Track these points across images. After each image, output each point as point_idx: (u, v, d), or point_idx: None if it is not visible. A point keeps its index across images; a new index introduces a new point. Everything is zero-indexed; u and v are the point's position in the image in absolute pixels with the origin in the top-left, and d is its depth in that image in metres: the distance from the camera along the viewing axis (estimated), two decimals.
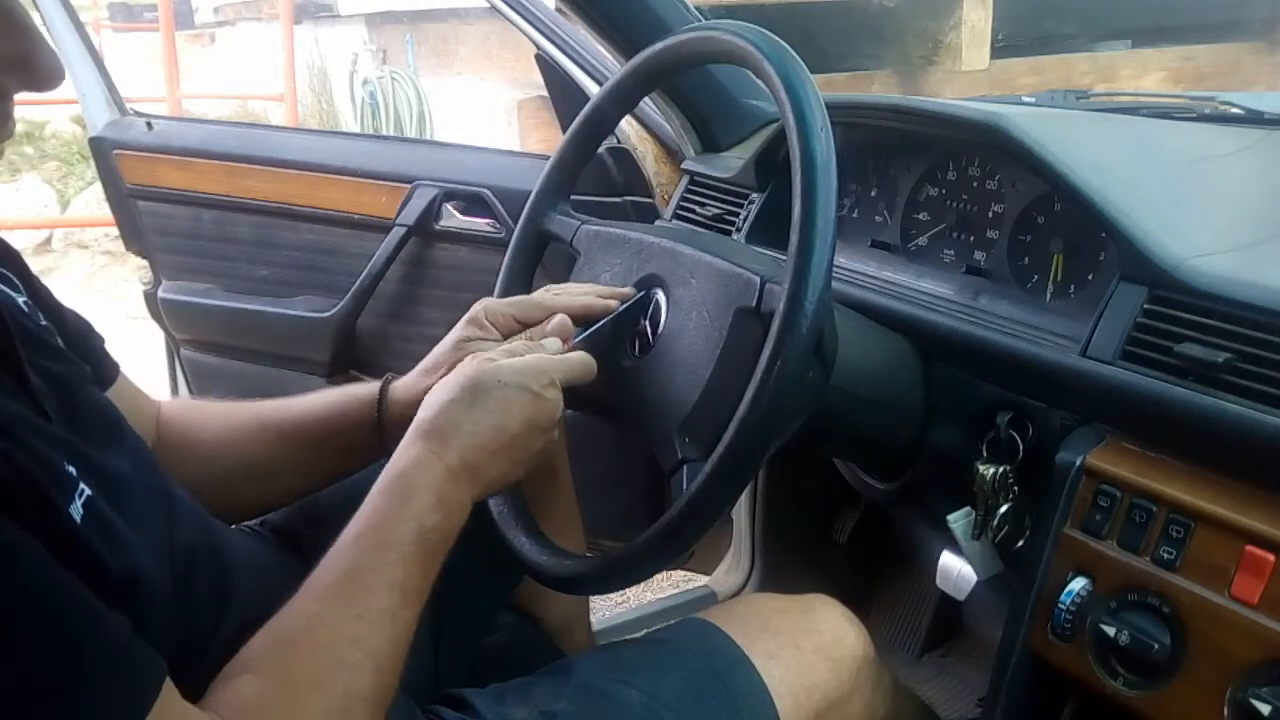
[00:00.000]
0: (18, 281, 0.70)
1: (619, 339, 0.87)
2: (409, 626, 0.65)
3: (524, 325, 0.84)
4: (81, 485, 0.56)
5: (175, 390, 1.82)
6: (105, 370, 0.80)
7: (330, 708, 0.59)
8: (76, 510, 0.55)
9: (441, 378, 0.78)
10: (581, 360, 0.79)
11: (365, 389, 0.87)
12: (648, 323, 0.87)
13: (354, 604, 0.63)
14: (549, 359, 0.77)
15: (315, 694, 0.59)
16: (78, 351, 0.73)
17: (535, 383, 0.74)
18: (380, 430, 0.85)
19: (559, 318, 0.83)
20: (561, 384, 0.76)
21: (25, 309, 0.68)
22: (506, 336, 0.84)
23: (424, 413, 0.72)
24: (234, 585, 0.72)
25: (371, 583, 0.64)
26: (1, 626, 0.47)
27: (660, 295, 0.87)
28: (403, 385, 0.86)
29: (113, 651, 0.51)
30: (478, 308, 0.86)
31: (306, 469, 0.89)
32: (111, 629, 0.52)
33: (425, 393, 0.78)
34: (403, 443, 0.71)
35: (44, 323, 0.69)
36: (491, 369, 0.73)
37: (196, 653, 0.64)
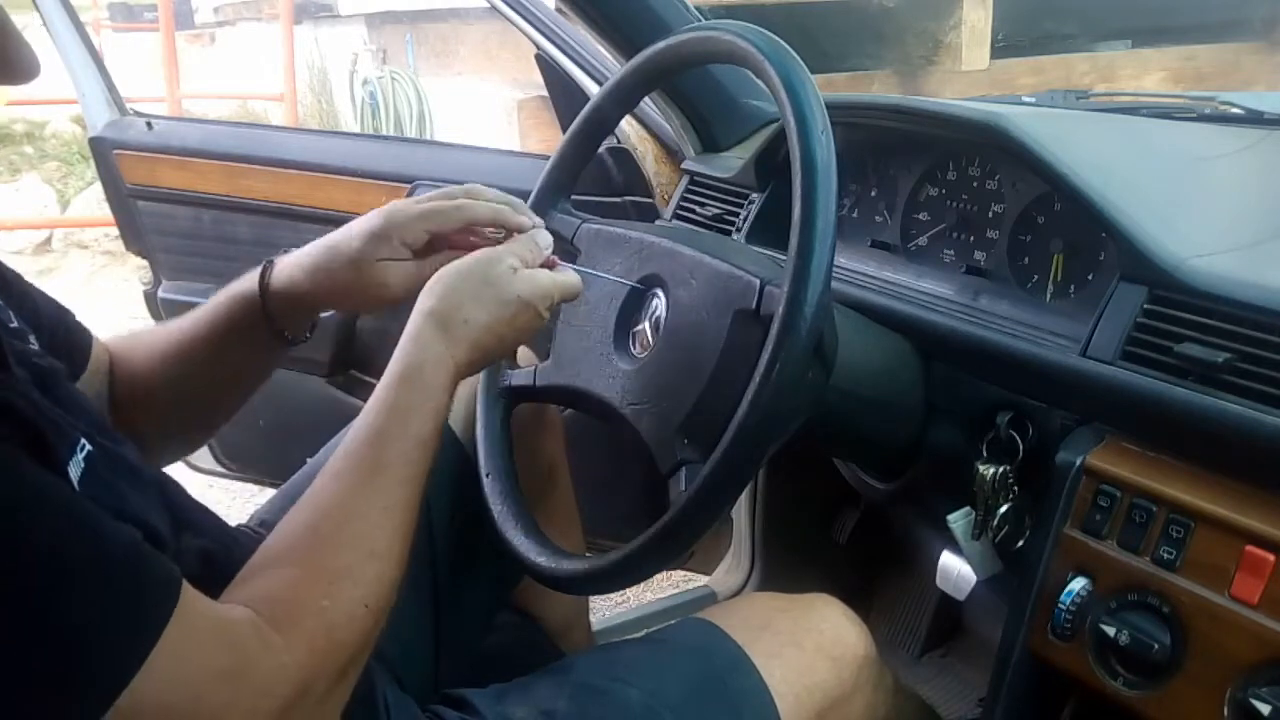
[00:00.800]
0: None
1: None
2: (414, 515, 0.68)
3: (437, 237, 0.80)
4: (83, 440, 0.57)
5: None
6: (81, 352, 0.81)
7: (360, 596, 0.61)
8: (77, 465, 0.56)
9: (321, 284, 0.79)
10: (576, 284, 0.80)
11: (245, 284, 0.84)
12: (647, 323, 0.87)
13: (382, 496, 0.65)
14: (556, 283, 0.77)
15: (348, 584, 0.61)
16: (55, 351, 0.73)
17: (542, 304, 0.76)
18: (267, 319, 0.83)
19: (544, 235, 0.80)
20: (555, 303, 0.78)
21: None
22: (417, 253, 0.79)
23: (440, 302, 0.72)
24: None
25: (398, 476, 0.66)
26: (2, 541, 0.47)
27: (660, 295, 0.87)
28: (282, 276, 0.82)
29: (123, 559, 0.52)
30: (386, 222, 0.78)
31: (211, 378, 0.87)
32: (120, 538, 0.52)
33: (301, 288, 0.80)
34: (416, 327, 0.71)
35: (15, 324, 0.69)
36: (512, 280, 0.74)
37: None
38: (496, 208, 0.80)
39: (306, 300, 0.82)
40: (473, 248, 0.78)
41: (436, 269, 0.75)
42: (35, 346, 0.69)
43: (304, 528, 0.64)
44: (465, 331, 0.71)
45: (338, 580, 0.61)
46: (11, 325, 0.68)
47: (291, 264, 0.82)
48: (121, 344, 0.87)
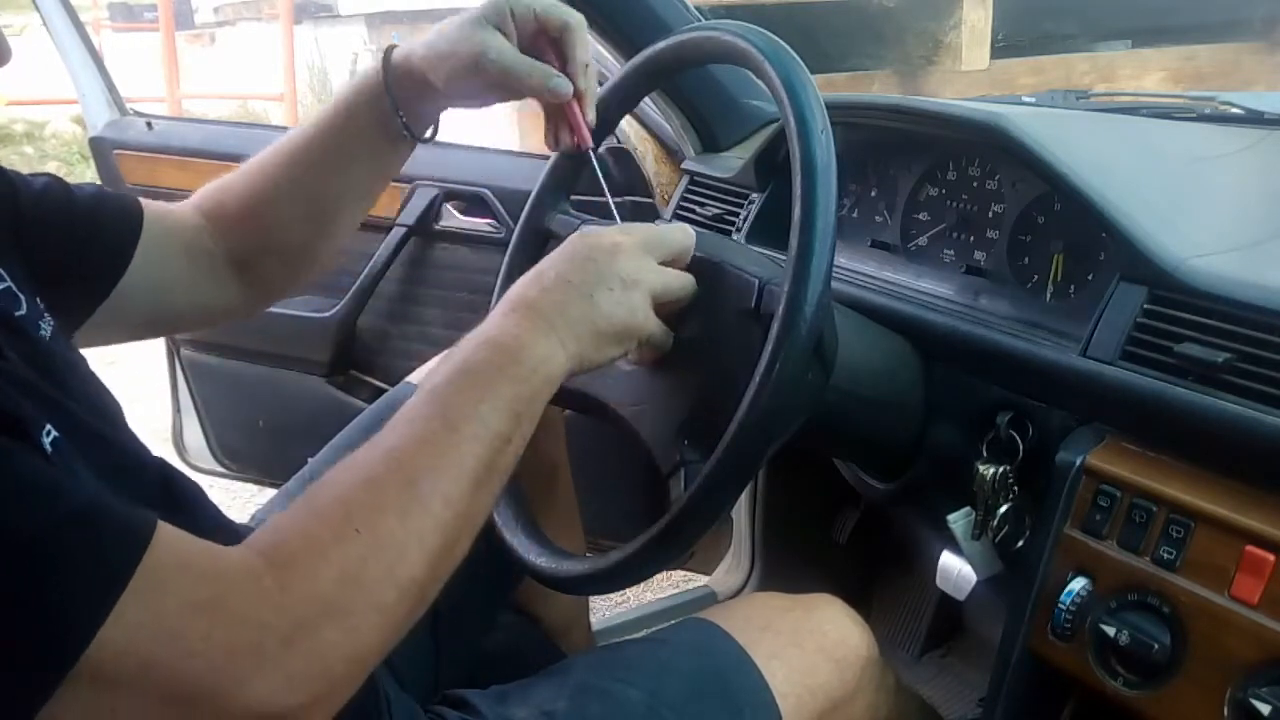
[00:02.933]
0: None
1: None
2: (491, 490, 0.62)
3: (544, 30, 0.81)
4: (49, 426, 0.54)
5: (175, 391, 1.81)
6: (121, 245, 0.81)
7: (389, 562, 0.56)
8: (45, 445, 0.53)
9: (455, 65, 0.78)
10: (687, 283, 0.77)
11: (366, 79, 0.84)
12: None
13: (454, 460, 0.60)
14: (675, 283, 0.74)
15: (378, 545, 0.55)
16: (87, 266, 0.73)
17: (645, 292, 0.72)
18: (393, 100, 0.83)
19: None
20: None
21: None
22: (523, 37, 0.80)
23: (531, 295, 0.68)
24: None
25: (471, 434, 0.61)
26: None
27: None
28: (401, 55, 0.83)
29: (78, 512, 0.49)
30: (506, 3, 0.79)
31: (343, 182, 0.86)
32: (77, 493, 0.50)
33: (423, 63, 0.80)
34: (511, 319, 0.67)
35: (5, 285, 0.67)
36: (600, 273, 0.70)
37: None
38: (583, 48, 0.81)
39: (430, 78, 0.81)
40: (556, 62, 0.80)
41: (528, 69, 0.78)
42: (24, 312, 0.66)
43: (366, 488, 0.58)
44: (586, 337, 0.68)
45: (367, 532, 0.55)
46: (21, 310, 0.66)
47: (407, 48, 0.83)
48: (211, 195, 0.87)
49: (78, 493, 0.50)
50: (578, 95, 0.82)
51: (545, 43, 0.82)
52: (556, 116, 0.84)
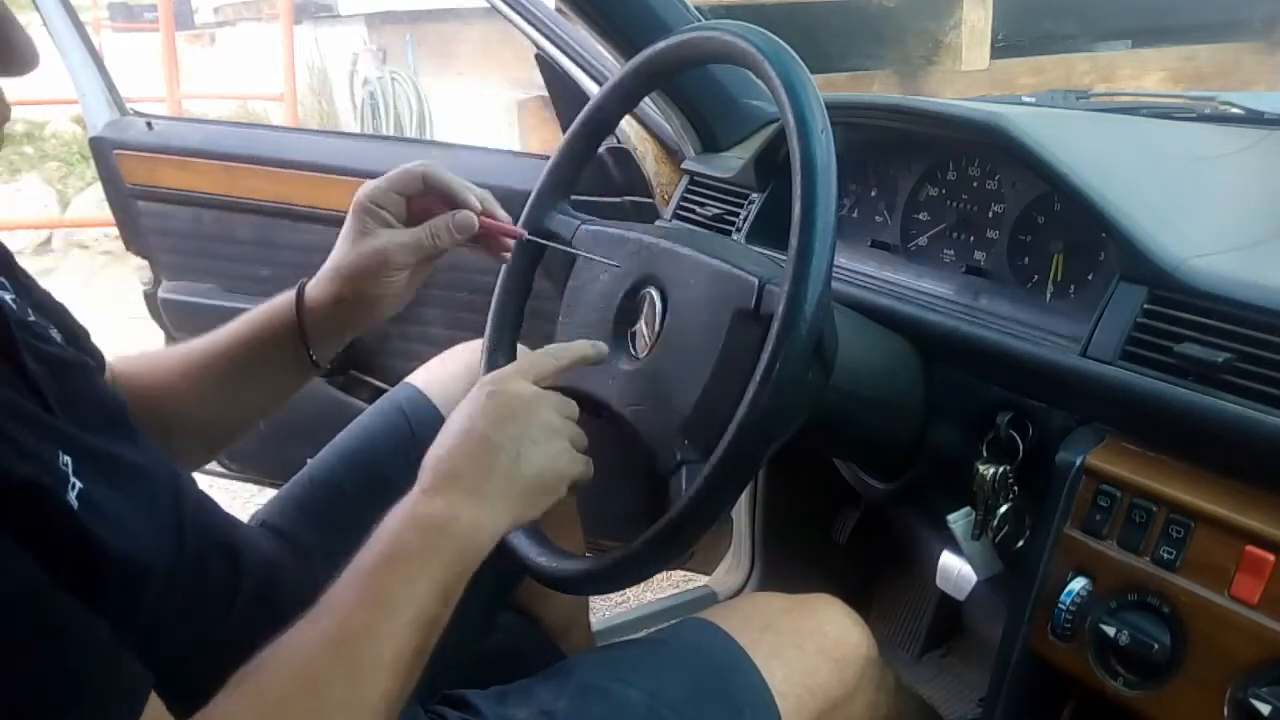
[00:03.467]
0: (4, 279, 0.70)
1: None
2: (401, 700, 0.61)
3: (408, 197, 0.85)
4: (73, 479, 0.55)
5: None
6: (100, 363, 0.80)
7: None
8: (72, 501, 0.55)
9: (352, 280, 0.82)
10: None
11: (280, 301, 0.86)
12: (646, 324, 0.87)
13: (359, 683, 0.59)
14: (565, 412, 0.74)
15: None
16: (78, 346, 0.72)
17: (566, 438, 0.73)
18: (303, 336, 0.84)
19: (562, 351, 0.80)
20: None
21: (14, 305, 0.68)
22: (398, 217, 0.84)
23: (457, 464, 0.68)
24: (243, 578, 0.73)
25: (376, 659, 0.59)
26: None
27: (659, 296, 0.86)
28: (316, 291, 0.85)
29: (97, 663, 0.50)
30: (360, 197, 0.84)
31: (239, 398, 0.87)
32: (96, 640, 0.51)
33: (338, 296, 0.82)
34: (439, 495, 0.66)
35: (32, 318, 0.69)
36: (522, 428, 0.70)
37: (206, 640, 0.64)
38: (447, 173, 0.85)
39: (339, 309, 0.83)
40: (444, 208, 0.84)
41: (429, 233, 0.82)
42: (58, 338, 0.69)
43: (279, 690, 0.57)
44: (500, 495, 0.67)
45: None
46: (29, 320, 0.67)
47: (315, 282, 0.85)
48: (127, 364, 0.87)
49: (96, 646, 0.50)
50: (479, 212, 0.85)
51: (422, 201, 0.85)
52: (482, 239, 0.87)
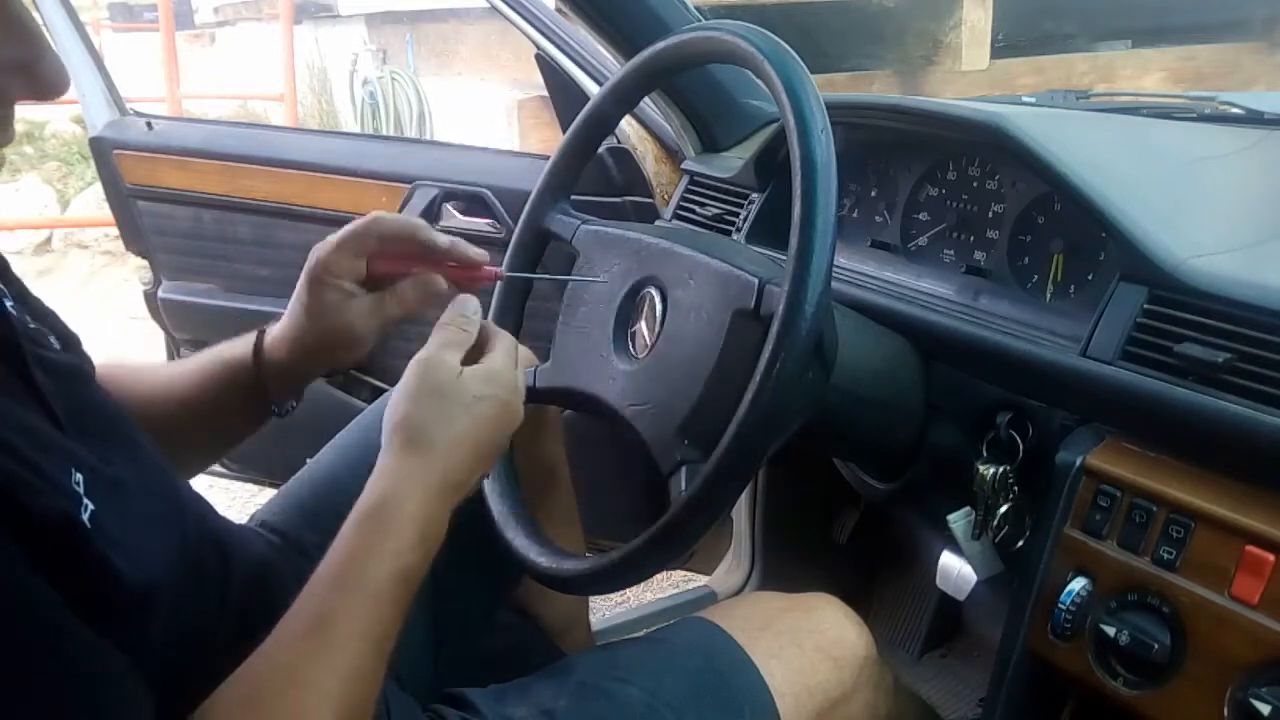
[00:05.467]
0: (2, 286, 0.70)
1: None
2: (378, 676, 0.61)
3: (374, 265, 0.79)
4: (86, 501, 0.55)
5: None
6: (93, 368, 0.80)
7: None
8: (86, 523, 0.54)
9: (315, 354, 0.80)
10: (526, 354, 0.79)
11: (239, 350, 0.84)
12: (646, 324, 0.87)
13: (328, 657, 0.59)
14: (508, 363, 0.73)
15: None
16: (73, 352, 0.72)
17: (506, 390, 0.71)
18: (264, 387, 0.82)
19: (470, 302, 0.78)
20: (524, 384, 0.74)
21: (13, 311, 0.68)
22: (357, 280, 0.79)
23: (399, 431, 0.68)
24: (235, 582, 0.73)
25: (349, 632, 0.60)
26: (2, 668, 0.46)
27: (659, 296, 0.87)
28: (274, 342, 0.83)
29: (115, 701, 0.51)
30: (312, 263, 0.79)
31: (197, 439, 0.86)
32: (112, 673, 0.51)
33: (298, 344, 0.79)
34: (381, 462, 0.67)
35: (33, 326, 0.69)
36: (462, 382, 0.69)
37: (199, 646, 0.64)
38: (404, 220, 0.79)
39: (298, 364, 0.81)
40: (409, 271, 0.79)
41: (394, 301, 0.79)
42: (56, 346, 0.69)
43: (244, 690, 0.57)
44: (437, 453, 0.66)
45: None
46: (31, 327, 0.67)
47: (274, 333, 0.83)
48: (108, 371, 0.86)
49: (111, 675, 0.51)
50: (447, 254, 0.80)
51: (379, 256, 0.80)
52: (456, 283, 0.82)
